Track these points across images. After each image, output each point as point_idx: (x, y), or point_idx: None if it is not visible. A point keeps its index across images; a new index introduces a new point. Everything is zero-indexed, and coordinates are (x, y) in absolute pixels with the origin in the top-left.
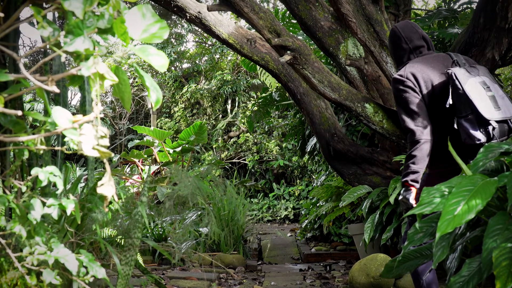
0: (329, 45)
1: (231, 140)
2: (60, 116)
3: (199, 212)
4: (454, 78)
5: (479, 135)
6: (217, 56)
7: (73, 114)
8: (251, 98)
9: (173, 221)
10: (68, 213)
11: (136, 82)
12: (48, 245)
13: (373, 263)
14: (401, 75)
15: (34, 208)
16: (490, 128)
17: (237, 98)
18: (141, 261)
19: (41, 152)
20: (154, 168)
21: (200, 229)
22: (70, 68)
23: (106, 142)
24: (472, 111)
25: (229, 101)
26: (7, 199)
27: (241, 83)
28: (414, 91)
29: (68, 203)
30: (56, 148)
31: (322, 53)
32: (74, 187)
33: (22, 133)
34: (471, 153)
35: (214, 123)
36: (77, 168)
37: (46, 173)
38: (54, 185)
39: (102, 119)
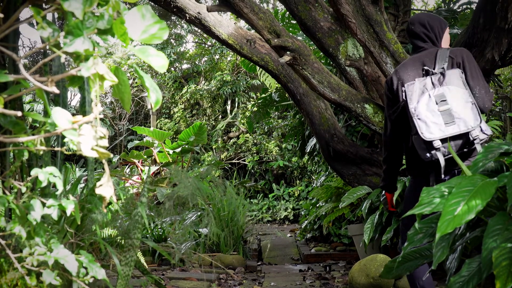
0: (328, 45)
1: (231, 140)
2: (60, 117)
3: (199, 213)
4: (404, 98)
5: (424, 153)
6: (217, 56)
7: (73, 114)
8: (251, 99)
9: (173, 222)
10: (68, 213)
11: (136, 83)
12: (48, 246)
13: (373, 264)
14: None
15: (34, 209)
16: (436, 145)
17: (236, 99)
18: (143, 260)
19: (41, 153)
20: (153, 168)
21: (200, 229)
22: (69, 69)
23: (105, 142)
24: (416, 132)
25: (229, 102)
26: (7, 199)
27: (241, 83)
28: (388, 97)
29: (68, 203)
30: (56, 149)
31: (321, 53)
32: (73, 187)
33: (22, 133)
34: (432, 166)
35: (213, 123)
36: (77, 169)
37: (46, 174)
38: (54, 185)
39: (101, 119)
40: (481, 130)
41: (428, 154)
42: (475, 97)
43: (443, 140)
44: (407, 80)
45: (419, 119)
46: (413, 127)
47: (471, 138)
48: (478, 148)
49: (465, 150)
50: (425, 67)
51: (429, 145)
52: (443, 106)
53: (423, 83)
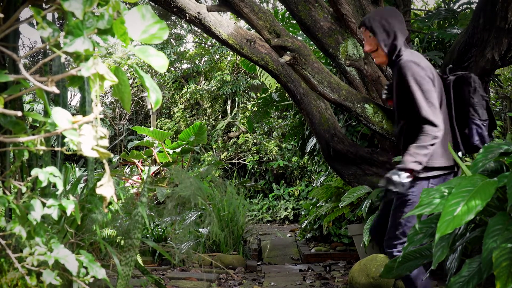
0: (328, 45)
1: (231, 140)
2: (60, 117)
3: (199, 213)
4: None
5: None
6: (217, 56)
7: (73, 115)
8: (251, 99)
9: (173, 222)
10: (68, 213)
11: (136, 82)
12: (48, 246)
13: (373, 264)
14: (419, 63)
15: (34, 209)
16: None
17: (236, 99)
18: (140, 261)
19: (41, 153)
20: (154, 168)
21: (200, 229)
22: (70, 69)
23: (106, 142)
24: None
25: (229, 102)
26: (7, 199)
27: (241, 83)
28: (433, 85)
29: (68, 203)
30: (56, 149)
31: (321, 53)
32: (74, 187)
33: (22, 133)
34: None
35: (213, 123)
36: (77, 169)
37: (46, 174)
38: (54, 185)
39: (101, 119)
40: None
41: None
42: None
43: None
44: (436, 72)
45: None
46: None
47: None
48: None
49: None
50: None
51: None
52: None
53: None
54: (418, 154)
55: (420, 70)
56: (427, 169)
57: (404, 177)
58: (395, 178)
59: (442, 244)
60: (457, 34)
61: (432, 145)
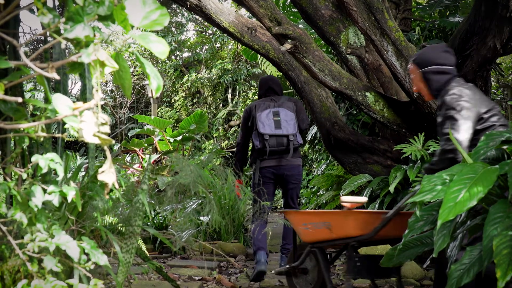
0: (329, 33)
1: (232, 129)
2: (61, 103)
3: (200, 201)
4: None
5: (257, 142)
6: (218, 45)
7: (74, 102)
8: (252, 87)
9: (174, 210)
10: (69, 200)
11: (137, 71)
12: (49, 232)
13: (374, 252)
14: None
15: (35, 195)
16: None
17: (237, 87)
18: (144, 248)
19: (42, 139)
20: (154, 157)
21: (201, 217)
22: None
23: (107, 129)
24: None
25: (230, 90)
26: (8, 186)
27: (242, 72)
28: None
29: (69, 190)
30: (57, 135)
31: (322, 42)
32: (75, 175)
33: (23, 120)
34: None
35: (214, 112)
36: (78, 157)
37: (47, 160)
38: (55, 173)
39: (102, 107)
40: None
41: (258, 143)
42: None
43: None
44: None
45: (259, 122)
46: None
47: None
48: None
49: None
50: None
51: (262, 136)
52: (276, 117)
53: (264, 105)
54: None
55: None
56: None
57: None
58: None
59: (443, 231)
60: (458, 22)
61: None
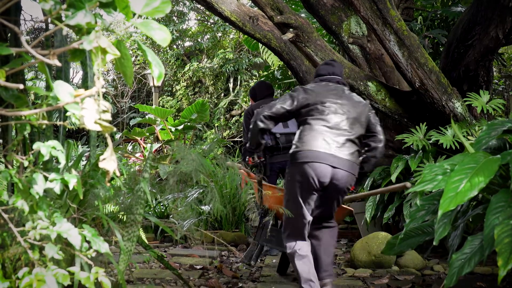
0: (331, 23)
1: (233, 118)
2: (62, 90)
3: (201, 190)
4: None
5: (269, 140)
6: (219, 34)
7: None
8: (253, 77)
9: (175, 199)
10: (71, 187)
11: (138, 60)
12: (50, 220)
13: (375, 241)
14: None
15: (36, 183)
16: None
17: (239, 77)
18: (144, 237)
19: (43, 127)
20: (156, 146)
21: (202, 207)
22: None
23: (108, 116)
24: None
25: (231, 80)
26: (10, 174)
27: (243, 61)
28: None
29: (71, 177)
30: (58, 123)
31: (324, 31)
32: (76, 163)
33: (24, 107)
34: None
35: (216, 101)
36: (79, 146)
37: (48, 148)
38: (57, 161)
39: (104, 96)
40: None
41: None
42: None
43: None
44: None
45: None
46: None
47: None
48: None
49: None
50: None
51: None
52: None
53: None
54: None
55: None
56: None
57: None
58: None
59: (444, 221)
60: (461, 12)
61: None
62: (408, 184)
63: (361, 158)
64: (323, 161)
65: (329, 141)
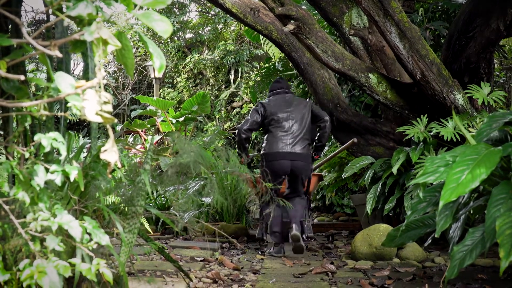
0: (333, 14)
1: (234, 110)
2: (63, 81)
3: (202, 182)
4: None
5: None
6: (220, 26)
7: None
8: (254, 69)
9: (176, 191)
10: (72, 179)
11: (139, 52)
12: (51, 212)
13: (376, 233)
14: None
15: (37, 174)
16: None
17: (240, 69)
18: (147, 226)
19: (44, 118)
20: (157, 138)
21: (203, 198)
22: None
23: (109, 108)
24: None
25: (232, 72)
26: (10, 165)
27: (244, 53)
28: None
29: (72, 169)
30: (59, 114)
31: (325, 23)
32: (77, 154)
33: (25, 99)
34: None
35: (217, 93)
36: (80, 138)
37: (49, 139)
38: (58, 152)
39: (105, 88)
40: None
41: None
42: None
43: None
44: None
45: None
46: None
47: None
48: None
49: None
50: None
51: None
52: None
53: None
54: None
55: None
56: None
57: None
58: None
59: (445, 212)
60: (462, 3)
61: None
62: (355, 139)
63: (314, 143)
64: (283, 158)
65: (286, 142)
